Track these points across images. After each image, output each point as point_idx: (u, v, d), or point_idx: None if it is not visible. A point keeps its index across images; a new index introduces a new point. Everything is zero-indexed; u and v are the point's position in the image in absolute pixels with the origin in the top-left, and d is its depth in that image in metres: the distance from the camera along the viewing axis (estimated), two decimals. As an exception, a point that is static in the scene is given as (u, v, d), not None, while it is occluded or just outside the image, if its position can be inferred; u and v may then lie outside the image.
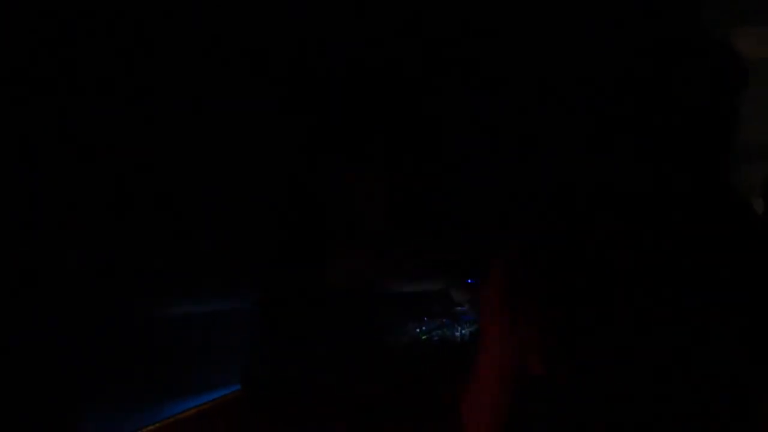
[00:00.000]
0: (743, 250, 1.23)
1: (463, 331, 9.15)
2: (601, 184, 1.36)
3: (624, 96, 1.29)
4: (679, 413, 1.22)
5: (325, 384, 7.49)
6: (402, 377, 7.77)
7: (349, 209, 6.39)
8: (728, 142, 1.33)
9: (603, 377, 1.26)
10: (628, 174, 1.37)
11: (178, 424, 5.57)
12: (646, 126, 1.27)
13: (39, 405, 6.48)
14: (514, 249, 1.46)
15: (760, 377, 1.27)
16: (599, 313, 1.25)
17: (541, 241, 1.31)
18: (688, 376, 1.22)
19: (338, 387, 7.50)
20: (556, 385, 1.35)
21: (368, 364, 8.07)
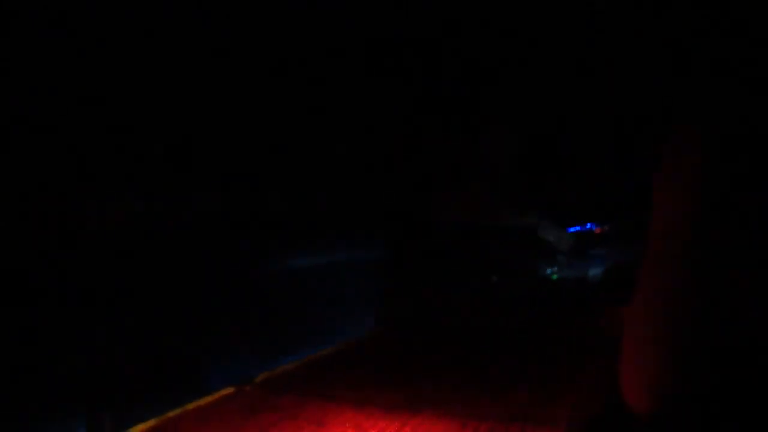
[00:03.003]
0: None
1: (595, 272, 9.17)
2: None
3: None
4: None
5: (445, 320, 7.72)
6: (533, 314, 7.81)
7: (485, 155, 6.64)
8: None
9: None
10: None
11: (334, 354, 5.95)
12: None
13: (175, 351, 7.03)
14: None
15: None
16: None
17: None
18: None
19: (461, 323, 7.66)
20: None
21: (500, 302, 8.14)
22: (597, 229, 14.51)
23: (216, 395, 4.62)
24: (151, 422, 4.10)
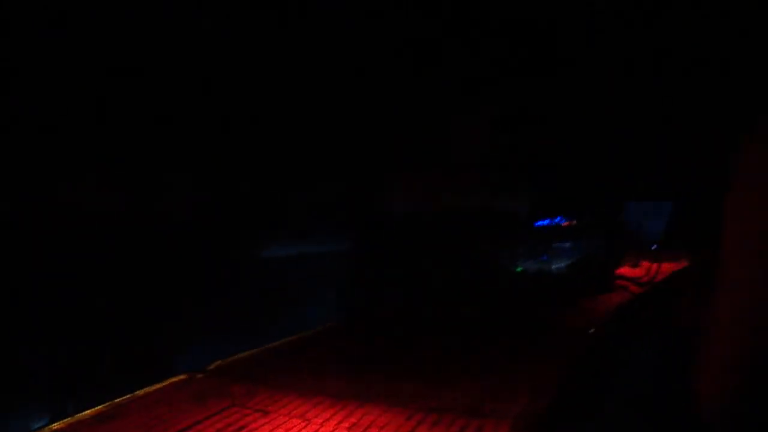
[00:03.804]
0: None
1: (560, 266, 9.23)
2: None
3: None
4: None
5: (411, 310, 7.72)
6: (497, 305, 7.82)
7: (462, 143, 6.84)
8: None
9: None
10: None
11: (291, 343, 5.94)
12: None
13: (144, 341, 6.94)
14: None
15: None
16: None
17: None
18: None
19: (424, 313, 7.68)
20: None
21: (463, 293, 8.18)
22: (565, 223, 14.67)
23: (166, 382, 4.60)
24: (100, 408, 4.08)
